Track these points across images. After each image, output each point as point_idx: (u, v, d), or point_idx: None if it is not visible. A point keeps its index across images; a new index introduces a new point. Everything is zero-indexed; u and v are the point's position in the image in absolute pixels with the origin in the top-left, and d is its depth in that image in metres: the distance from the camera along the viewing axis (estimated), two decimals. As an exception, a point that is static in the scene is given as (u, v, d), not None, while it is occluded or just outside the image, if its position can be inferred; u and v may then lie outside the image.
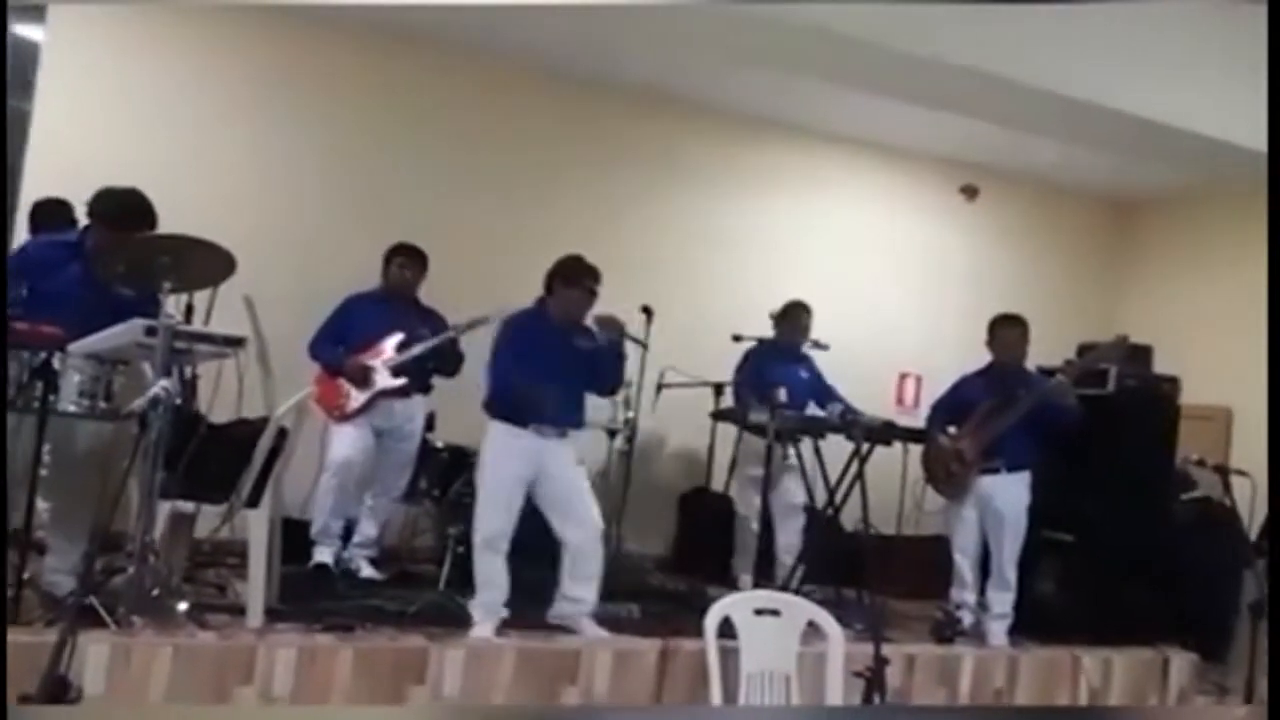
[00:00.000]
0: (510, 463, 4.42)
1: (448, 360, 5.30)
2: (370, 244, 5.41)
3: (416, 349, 5.18)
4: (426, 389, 5.40)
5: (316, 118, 6.10)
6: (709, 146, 6.98)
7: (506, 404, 4.49)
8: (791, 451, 5.48)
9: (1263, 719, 3.34)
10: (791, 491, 5.58)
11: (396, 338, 5.21)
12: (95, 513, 3.74)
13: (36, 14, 5.04)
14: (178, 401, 3.41)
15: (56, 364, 3.41)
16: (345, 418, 5.18)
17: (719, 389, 5.58)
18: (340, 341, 5.22)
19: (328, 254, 5.79)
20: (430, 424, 5.55)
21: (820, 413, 5.56)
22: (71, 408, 3.49)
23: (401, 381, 5.20)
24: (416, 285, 5.38)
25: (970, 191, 7.75)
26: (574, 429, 4.60)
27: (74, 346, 3.48)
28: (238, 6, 5.81)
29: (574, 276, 4.48)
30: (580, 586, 4.47)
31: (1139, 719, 4.03)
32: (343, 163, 6.13)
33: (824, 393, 5.79)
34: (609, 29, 5.31)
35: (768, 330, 5.47)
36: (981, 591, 5.33)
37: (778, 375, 5.44)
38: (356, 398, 5.17)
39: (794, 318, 5.77)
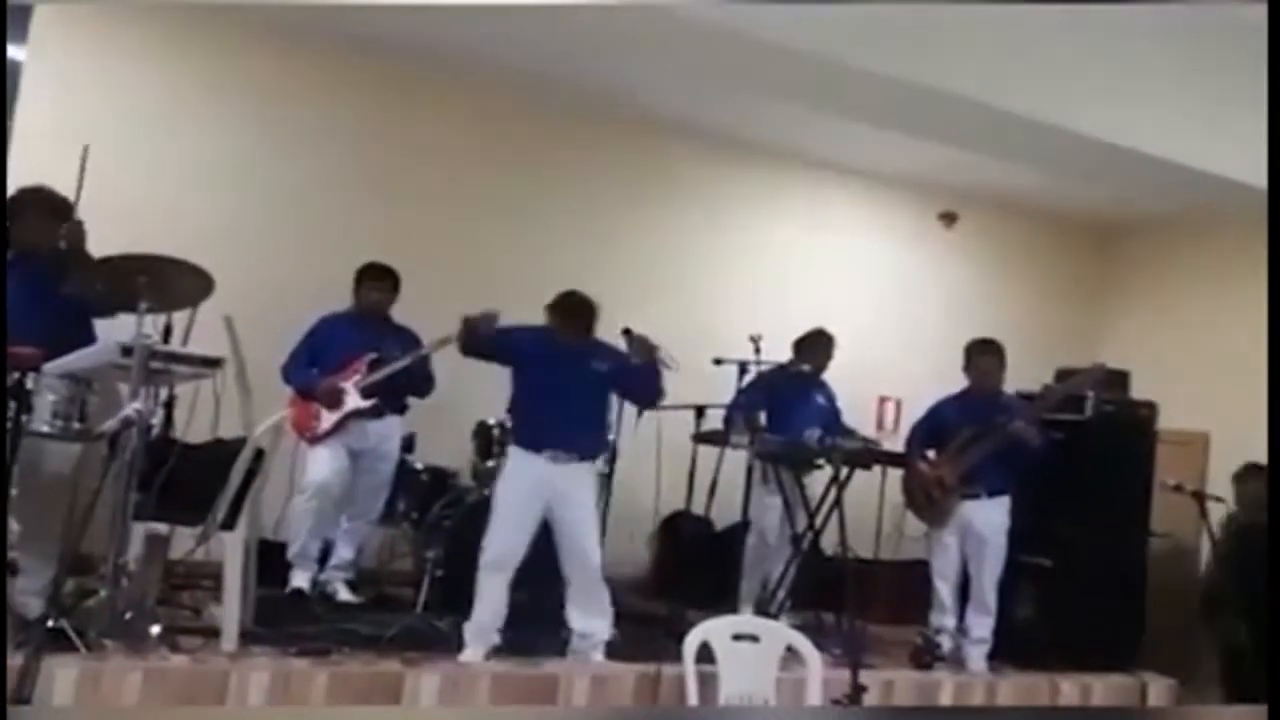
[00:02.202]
0: (522, 487, 4.42)
1: (418, 381, 5.27)
2: (347, 263, 5.39)
3: (387, 369, 5.15)
4: (401, 409, 5.37)
5: (295, 136, 6.07)
6: (688, 170, 7.01)
7: (519, 430, 4.53)
8: (774, 476, 5.47)
9: (1263, 719, 3.35)
10: (775, 516, 5.57)
11: (368, 357, 5.17)
12: (64, 534, 3.70)
13: (19, 33, 5.01)
14: (151, 423, 3.37)
15: (30, 384, 3.38)
16: (317, 439, 5.13)
17: (700, 411, 5.57)
18: (313, 363, 5.19)
19: (307, 274, 5.75)
20: (410, 445, 5.52)
21: (800, 438, 5.56)
22: (45, 428, 3.46)
23: (372, 402, 5.16)
24: (388, 305, 5.33)
25: (949, 218, 7.80)
26: (594, 453, 4.62)
27: (49, 366, 3.45)
28: (214, 22, 5.79)
29: (567, 312, 4.51)
30: (588, 620, 4.45)
31: (1137, 720, 4.02)
32: (320, 180, 6.11)
33: (834, 422, 5.79)
34: (592, 47, 5.32)
35: (747, 353, 5.48)
36: (961, 617, 5.33)
37: (791, 400, 5.43)
38: (327, 419, 5.13)
39: (816, 345, 5.79)
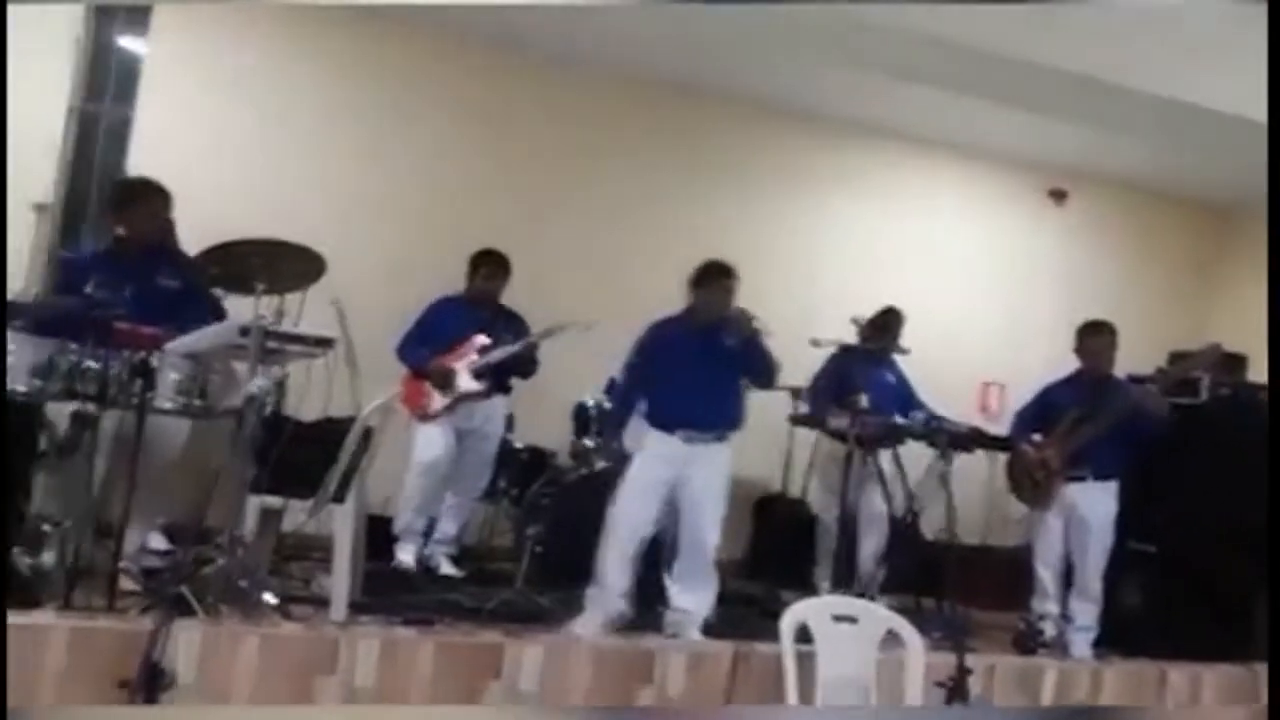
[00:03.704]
0: (652, 467, 4.49)
1: (524, 364, 5.40)
2: (458, 250, 5.51)
3: (497, 353, 5.28)
4: (506, 390, 5.49)
5: (407, 124, 6.21)
6: (788, 150, 6.95)
7: (653, 410, 4.59)
8: (871, 459, 5.42)
9: (1263, 719, 3.25)
10: (872, 499, 5.53)
11: (479, 341, 5.31)
12: (189, 506, 3.88)
13: (140, 26, 5.23)
14: (271, 400, 3.52)
15: (155, 363, 3.54)
16: (428, 418, 5.29)
17: (797, 393, 5.55)
18: (426, 344, 5.33)
19: (416, 258, 5.91)
20: (510, 425, 5.63)
21: (903, 420, 5.50)
22: (168, 405, 3.63)
23: (482, 385, 5.29)
24: (500, 290, 5.47)
25: (1058, 195, 7.60)
26: (729, 431, 4.61)
27: (170, 346, 3.61)
28: (334, 16, 5.94)
29: (709, 278, 4.53)
30: (688, 597, 4.49)
31: (1141, 719, 3.88)
32: (433, 168, 6.25)
33: (909, 399, 5.72)
34: (691, 33, 5.33)
35: (847, 335, 5.43)
36: (1065, 603, 5.22)
37: (863, 381, 5.39)
38: (438, 399, 5.28)
39: (886, 324, 5.71)
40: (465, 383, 5.28)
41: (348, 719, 3.38)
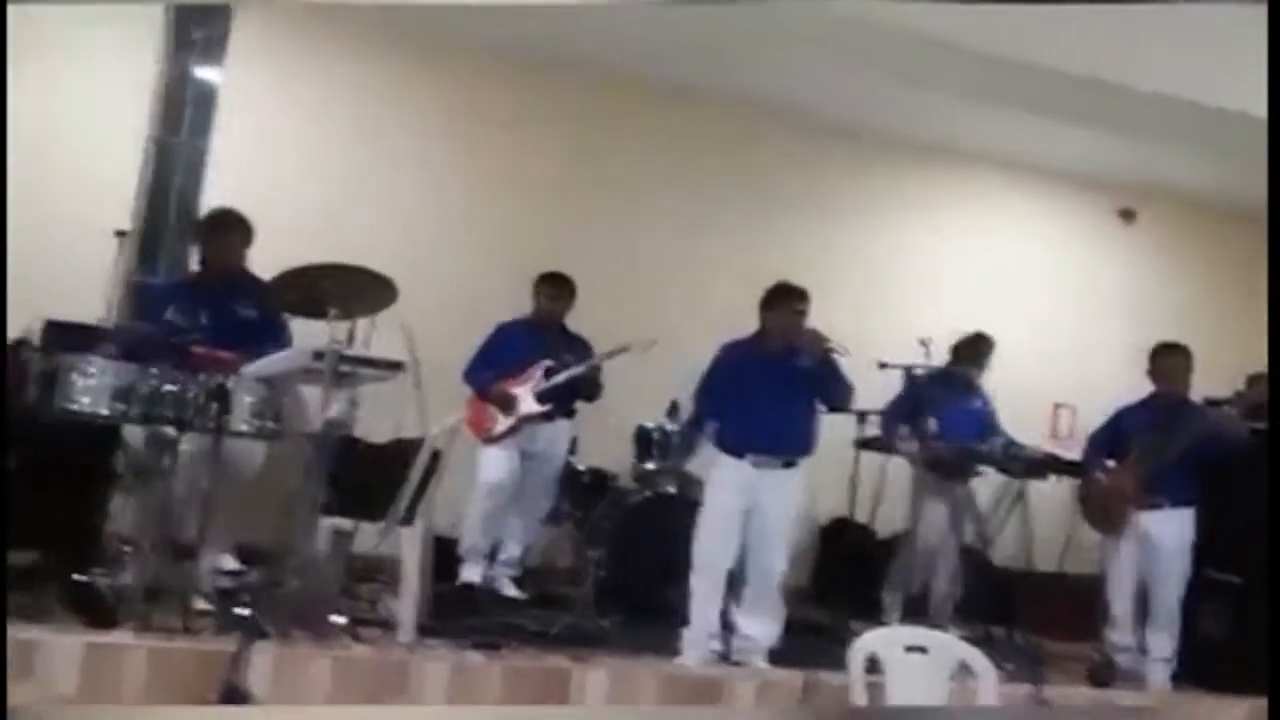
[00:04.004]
0: (726, 494, 4.45)
1: (588, 387, 5.41)
2: (521, 272, 5.55)
3: (561, 376, 5.31)
4: (570, 413, 5.51)
5: (475, 148, 6.28)
6: (854, 172, 6.92)
7: (723, 435, 4.54)
8: (943, 484, 5.34)
9: (1263, 719, 3.15)
10: (943, 525, 5.44)
11: (543, 364, 5.34)
12: (261, 527, 3.94)
13: (216, 58, 5.37)
14: (350, 424, 3.57)
15: (230, 386, 3.61)
16: (492, 440, 5.32)
17: (862, 416, 5.49)
18: (491, 367, 5.37)
19: (482, 282, 5.96)
20: (573, 447, 5.64)
21: (980, 446, 5.40)
22: (244, 428, 3.69)
23: (546, 407, 5.32)
24: (564, 313, 5.50)
25: (1128, 214, 7.47)
26: (800, 456, 4.54)
27: (246, 370, 3.68)
28: (398, 38, 6.04)
29: (779, 300, 4.51)
30: (755, 625, 4.46)
31: (1138, 718, 3.71)
32: (496, 192, 6.31)
33: (989, 426, 5.62)
34: (770, 56, 5.32)
35: (914, 358, 5.37)
36: (1141, 634, 5.08)
37: (941, 406, 5.32)
38: (503, 422, 5.31)
39: (975, 349, 5.64)
40: (528, 405, 5.31)
41: (354, 719, 3.40)
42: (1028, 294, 7.18)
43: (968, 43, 4.35)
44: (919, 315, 5.97)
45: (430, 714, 3.44)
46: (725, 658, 4.45)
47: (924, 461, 5.11)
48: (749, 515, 4.42)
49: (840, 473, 5.47)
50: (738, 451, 4.46)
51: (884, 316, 6.42)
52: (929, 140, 6.82)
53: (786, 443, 4.48)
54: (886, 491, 5.41)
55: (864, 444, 5.49)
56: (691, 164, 6.61)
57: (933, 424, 5.00)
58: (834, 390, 4.54)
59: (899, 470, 5.35)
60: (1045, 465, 5.22)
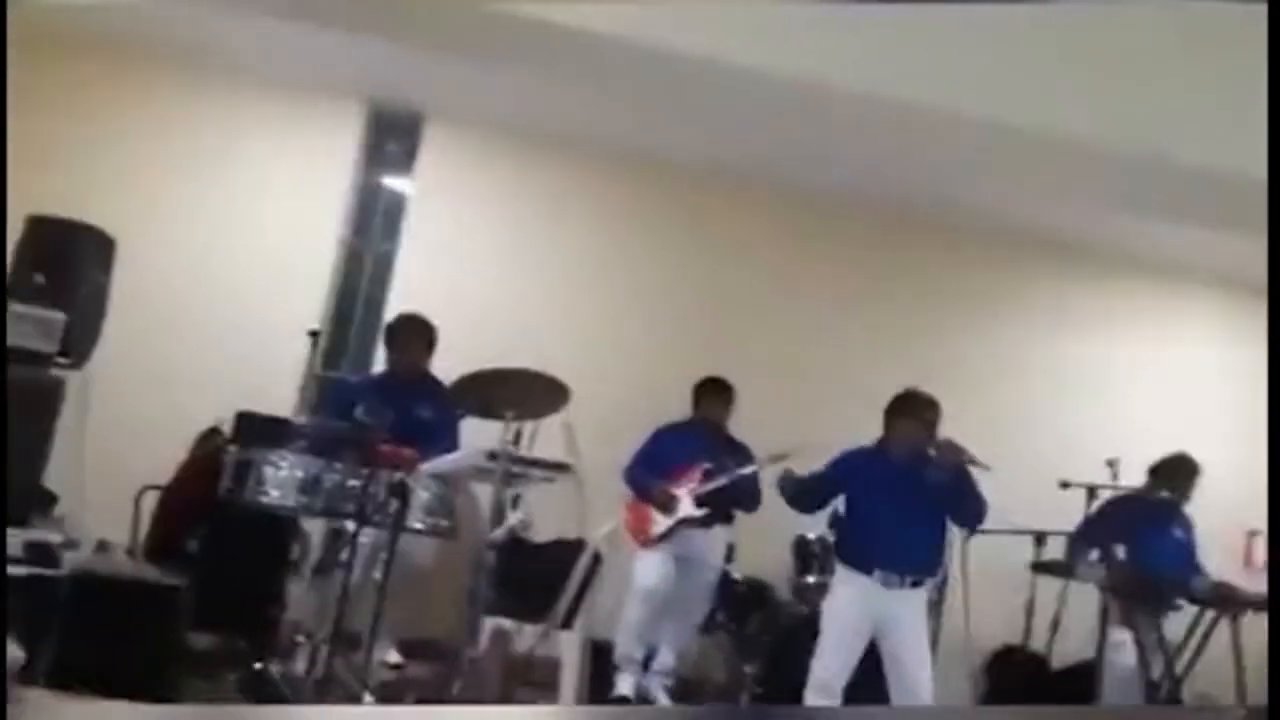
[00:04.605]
0: (849, 610, 4.32)
1: (746, 496, 5.35)
2: (682, 376, 5.59)
3: (721, 479, 5.27)
4: (728, 519, 5.45)
5: (639, 258, 6.43)
6: (1031, 279, 6.78)
7: (847, 548, 4.44)
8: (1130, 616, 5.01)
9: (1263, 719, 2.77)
10: (1128, 659, 5.09)
11: (703, 466, 5.32)
12: (426, 622, 4.00)
13: (404, 168, 5.70)
14: (528, 531, 3.63)
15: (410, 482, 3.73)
16: (649, 544, 5.29)
17: (1040, 538, 5.24)
18: (651, 470, 5.38)
19: (642, 384, 6.02)
20: (730, 555, 5.57)
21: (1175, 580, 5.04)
22: (419, 525, 3.79)
23: (704, 511, 5.28)
24: (725, 418, 5.49)
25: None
26: (927, 576, 4.40)
27: (425, 467, 3.79)
28: (565, 152, 6.27)
29: (906, 408, 4.38)
30: None
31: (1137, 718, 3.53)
32: (657, 298, 6.42)
33: (1189, 560, 5.31)
34: (924, 160, 5.31)
35: (1097, 477, 5.12)
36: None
37: (1138, 531, 5.02)
38: (661, 524, 5.29)
39: (1177, 472, 5.33)
40: (686, 508, 5.28)
41: (356, 719, 3.36)
42: (1218, 410, 6.77)
43: (1137, 152, 4.25)
44: (1099, 433, 5.73)
45: (450, 714, 3.42)
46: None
47: (1113, 588, 4.78)
48: (880, 637, 4.25)
49: (1006, 598, 5.23)
50: (862, 566, 4.30)
51: (1061, 433, 6.18)
52: (1107, 249, 6.61)
53: (913, 559, 4.31)
54: (1064, 620, 5.11)
55: (1040, 567, 5.23)
56: (863, 274, 6.57)
57: (1120, 550, 4.71)
58: (966, 507, 4.33)
59: (1079, 598, 5.06)
60: (1252, 605, 4.81)
